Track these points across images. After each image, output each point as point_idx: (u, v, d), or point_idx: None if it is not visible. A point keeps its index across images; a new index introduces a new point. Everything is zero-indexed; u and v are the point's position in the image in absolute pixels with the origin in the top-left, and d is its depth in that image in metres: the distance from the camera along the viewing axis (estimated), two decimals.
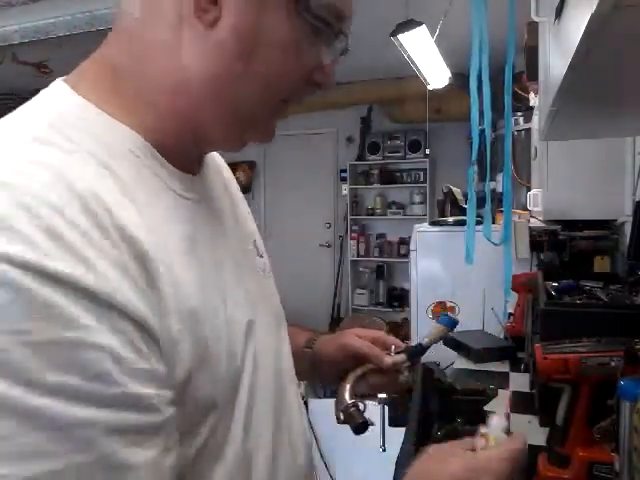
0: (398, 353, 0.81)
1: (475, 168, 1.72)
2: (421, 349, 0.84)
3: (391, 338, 0.83)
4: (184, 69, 0.50)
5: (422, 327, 2.63)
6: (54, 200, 0.39)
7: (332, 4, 0.52)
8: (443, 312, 0.90)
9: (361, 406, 0.75)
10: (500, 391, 1.31)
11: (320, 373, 0.84)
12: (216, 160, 0.71)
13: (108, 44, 0.53)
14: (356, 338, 0.82)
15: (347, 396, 0.74)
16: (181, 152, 0.54)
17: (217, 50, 0.49)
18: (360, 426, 0.72)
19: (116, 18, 0.53)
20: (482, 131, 1.59)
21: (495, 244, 1.69)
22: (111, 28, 0.54)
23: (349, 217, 5.73)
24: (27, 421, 0.36)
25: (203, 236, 0.54)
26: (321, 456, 2.38)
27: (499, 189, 3.54)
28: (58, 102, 0.49)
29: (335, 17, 0.52)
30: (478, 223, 1.85)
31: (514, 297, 1.91)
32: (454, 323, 0.88)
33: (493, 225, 1.93)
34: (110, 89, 0.51)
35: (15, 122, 0.47)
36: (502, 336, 1.92)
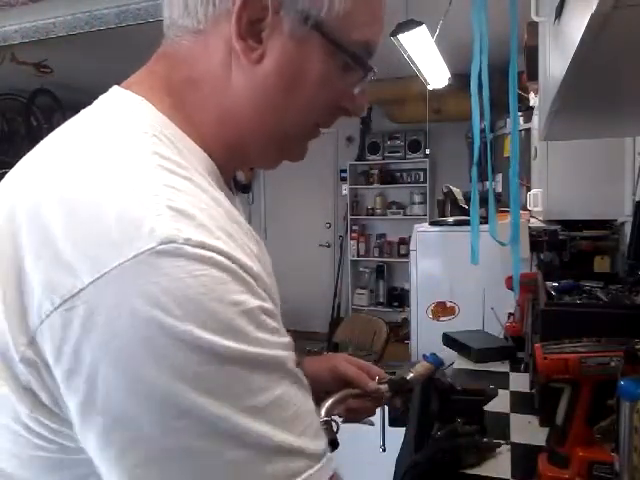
0: (382, 383, 0.84)
1: (476, 168, 1.71)
2: (404, 382, 0.86)
3: (376, 368, 0.87)
4: (232, 98, 0.55)
5: (422, 327, 2.63)
6: (218, 224, 0.45)
7: (366, 40, 0.56)
8: (432, 352, 0.93)
9: (334, 425, 0.76)
10: (500, 391, 1.31)
11: None
12: None
13: (160, 63, 0.57)
14: (345, 363, 0.85)
15: (323, 412, 0.76)
16: (226, 172, 0.59)
17: (261, 83, 0.54)
18: (329, 443, 0.73)
19: (166, 42, 0.57)
20: (482, 131, 1.59)
21: (503, 244, 1.69)
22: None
23: (349, 217, 5.73)
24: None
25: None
26: None
27: (498, 189, 3.54)
28: (148, 118, 0.52)
29: (366, 50, 0.57)
30: (481, 223, 1.85)
31: (514, 297, 1.91)
32: (440, 363, 0.93)
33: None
34: (168, 110, 0.54)
35: (114, 142, 0.48)
36: (502, 336, 1.92)
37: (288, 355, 0.46)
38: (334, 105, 0.59)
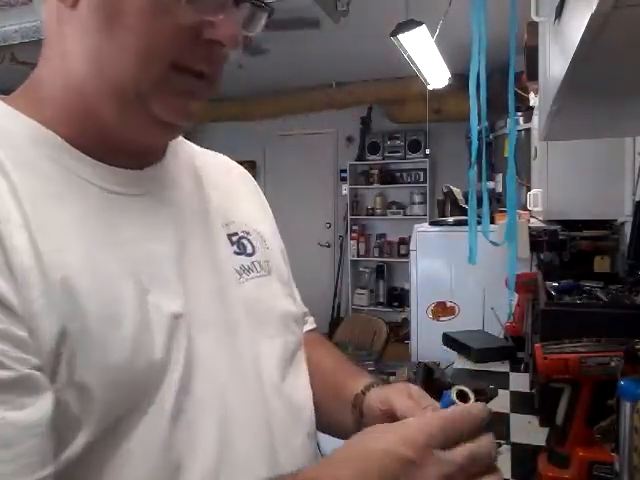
0: None
1: (475, 168, 1.71)
2: None
3: (428, 400, 0.64)
4: (66, 55, 0.53)
5: (422, 327, 2.63)
6: None
7: None
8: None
9: None
10: (500, 391, 1.31)
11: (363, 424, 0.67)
12: (222, 162, 0.79)
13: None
14: (402, 398, 0.65)
15: None
16: (102, 145, 0.55)
17: (83, 28, 0.51)
18: None
19: None
20: (480, 132, 1.59)
21: (496, 244, 1.69)
22: None
23: (349, 217, 5.73)
24: None
25: (126, 225, 0.54)
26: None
27: (498, 189, 3.54)
28: None
29: None
30: (478, 223, 1.85)
31: (514, 297, 1.91)
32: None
33: (491, 225, 1.93)
34: (32, 97, 0.55)
35: None
36: (502, 336, 1.92)
37: None
38: (190, 38, 0.51)
